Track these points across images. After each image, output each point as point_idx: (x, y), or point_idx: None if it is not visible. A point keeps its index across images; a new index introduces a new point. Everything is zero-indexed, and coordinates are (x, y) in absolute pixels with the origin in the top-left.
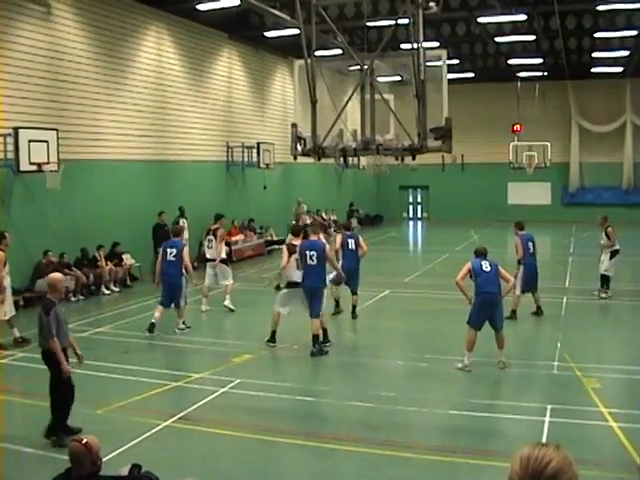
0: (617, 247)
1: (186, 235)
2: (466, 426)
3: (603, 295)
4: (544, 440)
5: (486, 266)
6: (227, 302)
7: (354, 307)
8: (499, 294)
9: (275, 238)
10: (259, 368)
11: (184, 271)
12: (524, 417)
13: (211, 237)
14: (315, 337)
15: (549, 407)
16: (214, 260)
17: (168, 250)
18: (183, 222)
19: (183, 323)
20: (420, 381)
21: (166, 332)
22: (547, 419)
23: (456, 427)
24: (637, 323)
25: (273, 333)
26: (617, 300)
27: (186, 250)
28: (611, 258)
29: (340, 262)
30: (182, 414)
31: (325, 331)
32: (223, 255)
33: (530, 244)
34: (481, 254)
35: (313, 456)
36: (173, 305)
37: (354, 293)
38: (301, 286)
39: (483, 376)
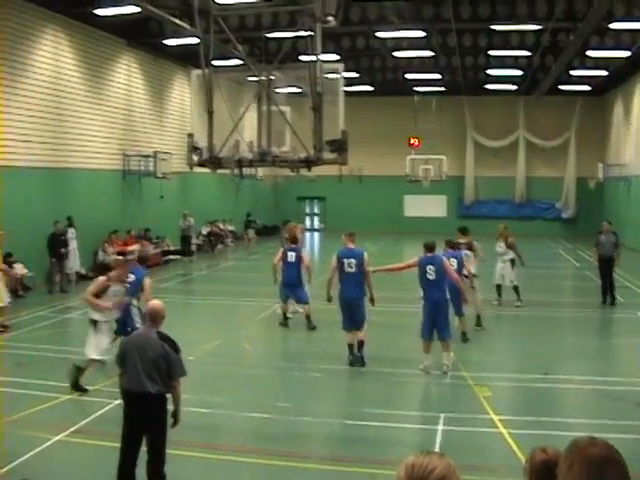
0: (512, 256)
1: (74, 245)
2: (361, 435)
3: (518, 304)
4: (437, 448)
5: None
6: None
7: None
8: None
9: (171, 248)
10: None
11: None
12: (418, 426)
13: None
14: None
15: (442, 415)
16: None
17: None
18: (72, 232)
19: None
20: (315, 391)
21: (60, 344)
22: (440, 427)
23: (351, 437)
24: (532, 332)
25: None
26: (515, 310)
27: None
28: (512, 267)
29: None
30: (75, 427)
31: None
32: None
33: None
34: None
35: (210, 468)
36: None
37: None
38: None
39: (378, 385)
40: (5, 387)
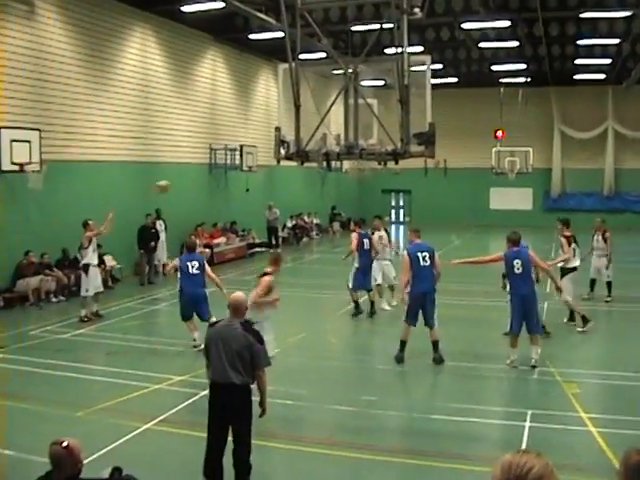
0: (609, 251)
1: (163, 237)
2: (446, 430)
3: (608, 299)
4: (524, 445)
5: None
6: None
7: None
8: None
9: (257, 241)
10: None
11: None
12: (504, 422)
13: None
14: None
15: (529, 412)
16: None
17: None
18: (160, 225)
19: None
20: (401, 385)
21: (149, 334)
22: (527, 424)
23: (436, 431)
24: (621, 329)
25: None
26: (606, 306)
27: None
28: (609, 262)
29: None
30: (163, 417)
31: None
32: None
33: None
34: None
35: (295, 459)
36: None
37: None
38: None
39: (465, 380)
40: (95, 376)
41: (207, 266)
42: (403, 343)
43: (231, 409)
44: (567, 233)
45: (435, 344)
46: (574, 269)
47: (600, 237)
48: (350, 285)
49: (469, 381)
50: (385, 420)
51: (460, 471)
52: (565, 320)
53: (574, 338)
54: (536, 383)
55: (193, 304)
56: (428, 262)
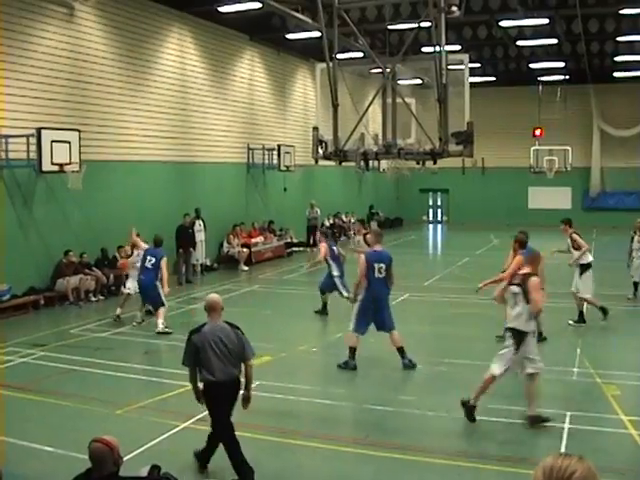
0: None
1: (202, 237)
2: (485, 432)
3: None
4: (563, 448)
5: None
6: None
7: None
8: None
9: (295, 240)
10: (278, 370)
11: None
12: (543, 424)
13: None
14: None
15: (568, 414)
16: None
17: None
18: (199, 224)
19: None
20: (439, 386)
21: (186, 333)
22: (566, 426)
23: (475, 432)
24: None
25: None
26: None
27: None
28: None
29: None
30: (201, 415)
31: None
32: None
33: None
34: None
35: (331, 459)
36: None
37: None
38: None
39: (501, 382)
40: (134, 374)
41: (163, 262)
42: (353, 350)
43: (234, 400)
44: (572, 230)
45: (400, 350)
46: (590, 265)
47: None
48: (345, 294)
49: (508, 382)
50: (423, 420)
51: (501, 473)
52: (571, 322)
53: (613, 340)
54: (575, 384)
55: (142, 292)
56: (383, 274)
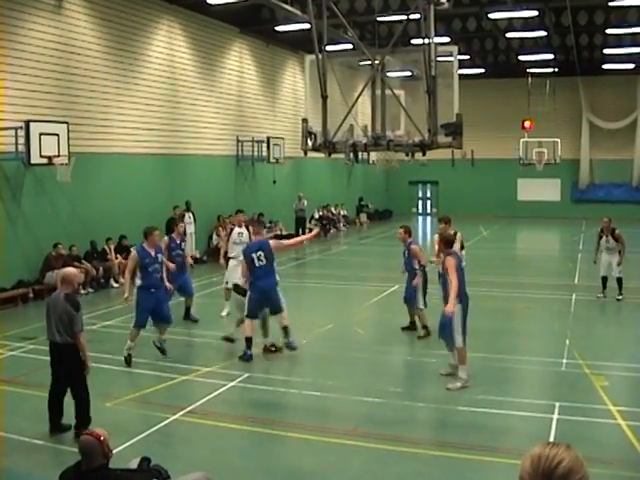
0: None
1: (191, 229)
2: (474, 422)
3: (620, 298)
4: (552, 438)
5: None
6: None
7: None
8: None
9: (284, 232)
10: (268, 363)
11: None
12: (532, 414)
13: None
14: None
15: (557, 404)
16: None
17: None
18: (189, 217)
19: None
20: (428, 377)
21: (176, 325)
22: (555, 416)
23: (464, 423)
24: None
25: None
26: (628, 299)
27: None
28: (620, 259)
29: None
30: (191, 407)
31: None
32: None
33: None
34: None
35: (321, 451)
36: None
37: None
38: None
39: (492, 373)
40: (124, 367)
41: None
42: (249, 340)
43: (60, 363)
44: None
45: (285, 329)
46: None
47: (610, 237)
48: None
49: (497, 373)
50: (412, 411)
51: (488, 463)
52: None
53: (601, 331)
54: (564, 375)
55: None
56: (264, 261)
